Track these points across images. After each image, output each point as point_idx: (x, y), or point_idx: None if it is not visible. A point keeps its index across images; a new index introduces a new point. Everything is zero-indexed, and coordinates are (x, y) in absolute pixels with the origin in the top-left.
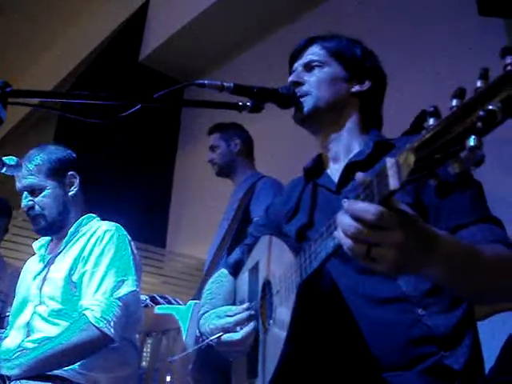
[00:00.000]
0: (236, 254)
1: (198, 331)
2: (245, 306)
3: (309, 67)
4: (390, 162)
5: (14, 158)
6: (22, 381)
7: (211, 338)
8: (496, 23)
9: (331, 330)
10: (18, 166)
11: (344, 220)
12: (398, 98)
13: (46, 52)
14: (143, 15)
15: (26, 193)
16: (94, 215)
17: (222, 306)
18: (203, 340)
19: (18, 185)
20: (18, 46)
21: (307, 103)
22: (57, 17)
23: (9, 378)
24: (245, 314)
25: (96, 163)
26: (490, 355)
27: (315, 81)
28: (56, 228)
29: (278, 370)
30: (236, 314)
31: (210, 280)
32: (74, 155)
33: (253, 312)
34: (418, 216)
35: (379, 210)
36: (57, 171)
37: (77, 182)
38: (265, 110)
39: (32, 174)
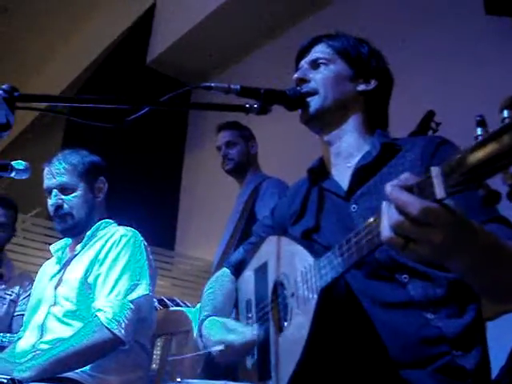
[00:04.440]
0: (239, 253)
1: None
2: (254, 331)
3: (314, 65)
4: (435, 170)
5: (22, 162)
6: (34, 383)
7: (213, 348)
8: (503, 22)
9: (350, 331)
10: (26, 170)
11: (390, 210)
12: (404, 99)
13: (53, 56)
14: (150, 18)
15: (55, 191)
16: (111, 221)
17: (224, 307)
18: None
19: (48, 182)
20: (24, 51)
21: (314, 103)
22: (63, 22)
23: (20, 381)
24: (250, 339)
25: (104, 166)
26: (499, 355)
27: (321, 78)
28: (79, 229)
29: (298, 370)
30: (242, 334)
31: (212, 278)
32: (104, 163)
33: (261, 336)
34: (460, 211)
35: (425, 205)
36: (90, 174)
37: (105, 188)
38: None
39: (66, 173)
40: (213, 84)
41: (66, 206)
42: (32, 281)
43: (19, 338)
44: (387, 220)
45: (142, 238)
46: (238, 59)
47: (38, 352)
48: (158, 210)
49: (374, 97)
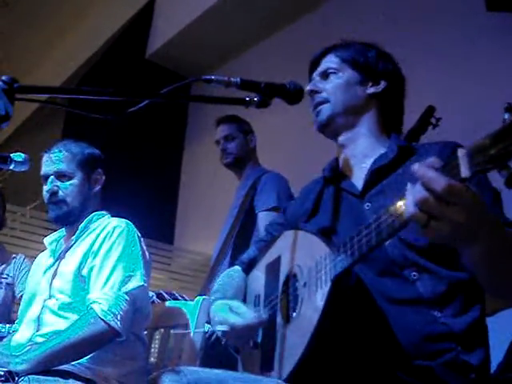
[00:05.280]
0: (251, 251)
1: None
2: (255, 314)
3: (325, 75)
4: (461, 152)
5: (21, 154)
6: (30, 376)
7: (217, 328)
8: (504, 19)
9: (360, 321)
10: (25, 162)
11: (416, 187)
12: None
13: (53, 49)
14: (150, 12)
15: (52, 177)
16: (104, 212)
17: (233, 299)
18: (210, 336)
19: (46, 168)
20: (25, 43)
21: (325, 110)
22: (63, 15)
23: (17, 374)
24: (251, 322)
25: (103, 160)
26: (497, 351)
27: (331, 87)
28: (72, 219)
29: (305, 357)
30: (243, 316)
31: (223, 273)
32: (103, 156)
33: (264, 317)
34: (480, 196)
35: (449, 182)
36: (88, 164)
37: (102, 180)
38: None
39: (64, 161)
40: (213, 77)
41: (61, 192)
42: (25, 261)
43: (14, 331)
44: (412, 197)
45: (135, 229)
46: (238, 54)
47: (33, 345)
48: (157, 204)
49: (385, 98)
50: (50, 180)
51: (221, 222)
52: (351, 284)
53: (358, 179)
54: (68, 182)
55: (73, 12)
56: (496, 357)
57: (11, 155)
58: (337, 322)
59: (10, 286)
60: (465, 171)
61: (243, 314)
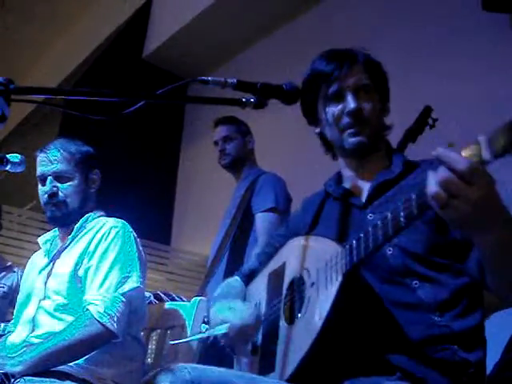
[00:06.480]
0: (252, 263)
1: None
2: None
3: (357, 90)
4: (482, 137)
5: (18, 155)
6: (26, 378)
7: (216, 332)
8: (501, 19)
9: (366, 318)
10: (21, 163)
11: (439, 169)
12: (400, 95)
13: (49, 50)
14: (147, 12)
15: (50, 178)
16: (100, 212)
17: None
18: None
19: (44, 168)
20: (22, 44)
21: (368, 133)
22: (60, 14)
23: (13, 375)
24: (253, 319)
25: (100, 160)
26: (494, 351)
27: (370, 110)
28: (70, 220)
29: (309, 356)
30: (244, 316)
31: (222, 284)
32: (98, 155)
33: (261, 316)
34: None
35: (472, 162)
36: (86, 164)
37: (99, 180)
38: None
39: (63, 161)
40: (210, 78)
41: (60, 193)
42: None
43: (10, 332)
44: (434, 178)
45: (131, 230)
46: (234, 54)
47: (28, 346)
48: (154, 205)
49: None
50: (48, 181)
51: (218, 223)
52: (361, 284)
53: (364, 192)
54: (67, 184)
55: (69, 12)
56: (492, 357)
57: (7, 156)
58: (344, 318)
59: (6, 295)
60: (486, 154)
61: (241, 313)
